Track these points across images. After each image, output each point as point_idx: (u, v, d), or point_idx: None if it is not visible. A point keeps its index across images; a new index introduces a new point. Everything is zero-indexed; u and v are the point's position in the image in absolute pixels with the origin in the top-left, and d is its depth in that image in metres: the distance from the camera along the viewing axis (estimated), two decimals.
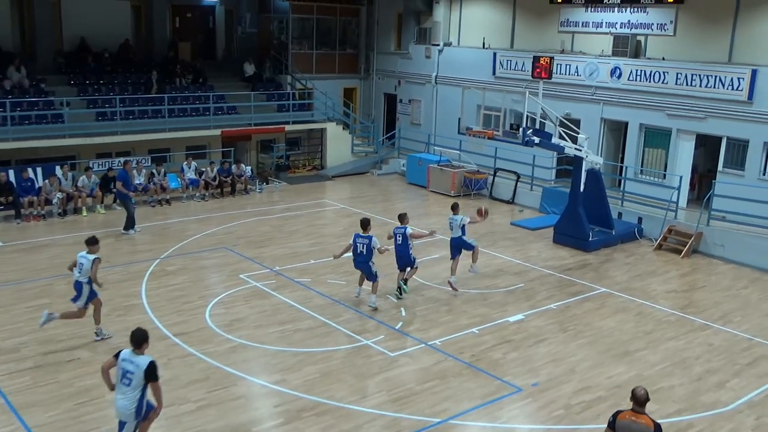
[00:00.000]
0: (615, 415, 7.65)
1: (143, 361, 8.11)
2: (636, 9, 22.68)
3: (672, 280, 17.02)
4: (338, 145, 28.30)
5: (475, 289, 15.61)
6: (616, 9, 23.17)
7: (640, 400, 7.56)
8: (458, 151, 25.41)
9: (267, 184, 25.77)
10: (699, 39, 21.44)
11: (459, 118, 18.97)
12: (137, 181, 21.80)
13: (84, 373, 11.27)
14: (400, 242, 14.38)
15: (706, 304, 15.43)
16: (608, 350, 12.85)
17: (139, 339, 8.24)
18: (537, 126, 17.72)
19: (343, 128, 28.72)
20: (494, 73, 25.90)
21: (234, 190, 23.85)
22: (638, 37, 22.73)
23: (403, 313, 14.04)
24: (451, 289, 15.15)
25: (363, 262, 14.00)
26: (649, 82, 21.48)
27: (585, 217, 18.83)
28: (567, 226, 19.11)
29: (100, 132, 22.84)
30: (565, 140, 18.28)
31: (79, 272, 12.16)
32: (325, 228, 20.49)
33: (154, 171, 22.49)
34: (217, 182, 23.40)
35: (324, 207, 23.03)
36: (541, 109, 17.82)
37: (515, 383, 11.45)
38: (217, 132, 24.97)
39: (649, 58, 22.23)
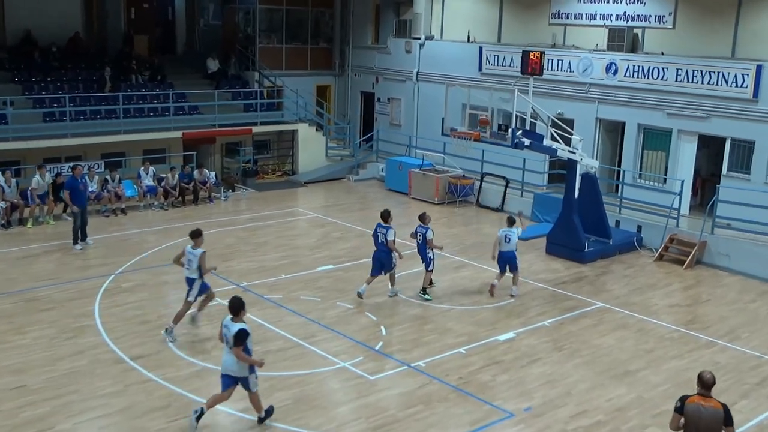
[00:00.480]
0: (682, 400, 8.21)
1: (234, 327, 10.12)
2: (632, 0, 22.96)
3: (674, 293, 17.17)
4: (311, 148, 28.29)
5: (461, 306, 15.64)
6: (611, 0, 23.43)
7: (707, 384, 8.18)
8: (442, 155, 25.49)
9: (233, 191, 25.68)
10: (700, 32, 21.73)
11: (443, 119, 19.02)
12: (90, 189, 21.56)
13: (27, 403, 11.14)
14: (420, 242, 15.78)
15: (712, 319, 15.58)
16: (607, 370, 12.91)
17: (236, 307, 10.24)
18: (527, 127, 17.80)
19: (316, 130, 28.72)
20: (480, 69, 26.04)
21: (196, 198, 23.74)
22: (635, 30, 22.99)
23: (384, 332, 14.03)
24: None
25: (383, 251, 15.25)
26: (648, 78, 21.71)
27: (580, 225, 18.95)
28: (561, 236, 19.21)
29: (48, 134, 22.63)
30: (558, 142, 18.40)
31: (188, 268, 13.36)
32: (297, 239, 20.42)
33: (108, 177, 22.33)
34: (177, 190, 23.28)
35: (296, 216, 22.97)
36: (532, 108, 17.91)
37: (506, 408, 11.46)
38: (178, 134, 24.86)
39: (646, 53, 22.49)
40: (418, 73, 28.75)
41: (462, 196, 24.49)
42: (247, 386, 10.37)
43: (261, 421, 10.69)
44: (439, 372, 12.53)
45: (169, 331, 13.43)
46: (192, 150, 25.36)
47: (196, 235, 13.36)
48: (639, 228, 20.57)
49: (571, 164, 18.77)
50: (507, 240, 16.01)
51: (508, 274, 16.26)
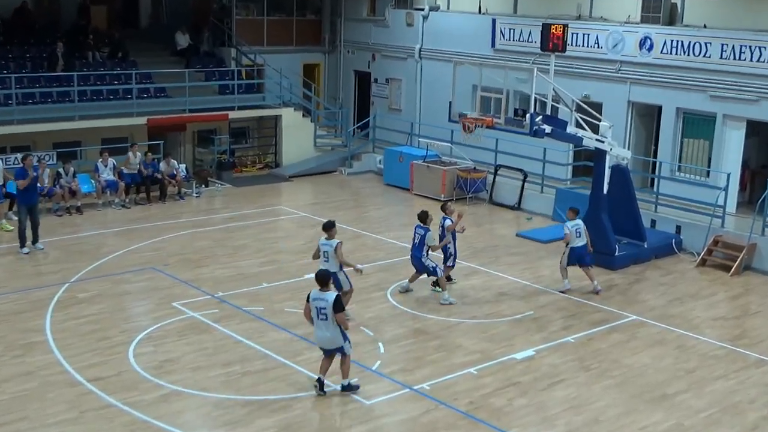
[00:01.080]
0: None
1: (330, 296, 11.99)
2: None
3: (719, 304, 17.19)
4: (297, 136, 28.28)
5: (473, 319, 15.64)
6: None
7: None
8: (449, 144, 25.51)
9: (206, 186, 25.66)
10: (749, 0, 21.71)
11: (450, 102, 19.02)
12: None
13: None
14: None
15: (763, 333, 15.59)
16: (641, 393, 12.92)
17: (324, 278, 12.14)
18: (548, 112, 17.79)
19: (303, 115, 28.72)
20: (494, 45, 26.04)
21: (164, 195, 23.74)
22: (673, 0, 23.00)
23: (382, 350, 14.04)
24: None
25: (416, 256, 16.15)
26: (688, 55, 21.73)
27: (610, 226, 18.96)
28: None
29: None
30: (584, 129, 18.42)
31: (326, 260, 14.41)
32: (280, 242, 20.42)
33: (61, 170, 22.26)
34: (139, 172, 23.11)
35: (279, 215, 22.95)
36: (553, 90, 17.92)
37: None
38: (142, 120, 24.83)
39: (686, 26, 22.50)
40: (421, 49, 28.75)
41: (473, 192, 24.51)
42: (343, 352, 12.27)
43: (344, 388, 12.40)
44: (446, 396, 12.52)
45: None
46: (158, 139, 25.32)
47: (329, 227, 14.63)
48: (678, 229, 20.59)
49: (599, 155, 18.79)
50: (578, 234, 16.83)
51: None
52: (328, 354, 12.41)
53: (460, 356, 13.94)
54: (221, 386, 12.62)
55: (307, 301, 12.16)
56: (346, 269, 14.89)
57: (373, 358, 13.71)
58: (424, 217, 16.21)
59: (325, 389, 12.38)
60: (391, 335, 14.72)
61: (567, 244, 17.05)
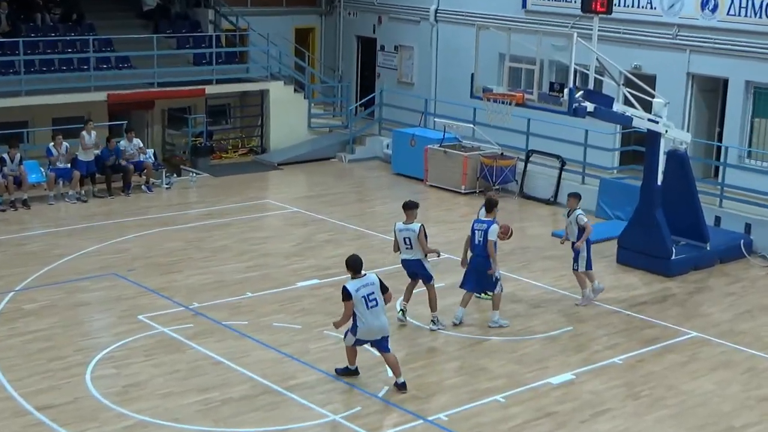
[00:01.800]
0: None
1: (371, 278, 13.15)
2: None
3: None
4: (288, 115, 28.30)
5: (499, 336, 15.61)
6: None
7: None
8: (471, 125, 25.47)
9: (178, 175, 25.71)
10: None
11: (472, 75, 18.99)
12: None
13: None
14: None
15: None
16: (703, 426, 12.87)
17: (358, 264, 13.08)
18: (590, 86, 17.75)
19: (295, 90, 28.75)
20: (525, 5, 25.98)
21: (127, 185, 23.75)
22: None
23: (390, 373, 14.00)
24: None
25: (479, 255, 15.57)
26: (759, 17, 21.66)
27: (665, 223, 18.92)
28: (638, 238, 19.18)
29: None
30: (634, 107, 18.36)
31: (409, 247, 15.19)
32: (267, 243, 20.41)
33: (5, 156, 22.29)
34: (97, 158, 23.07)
35: (266, 211, 22.96)
36: (597, 60, 17.86)
37: None
38: (102, 96, 24.89)
39: None
40: (437, 10, 28.71)
41: (500, 183, 24.47)
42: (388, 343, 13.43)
43: (400, 386, 13.41)
44: (467, 429, 12.50)
45: (436, 321, 15.63)
46: (121, 119, 25.41)
47: (410, 207, 15.27)
48: (748, 227, 20.52)
49: (651, 138, 18.74)
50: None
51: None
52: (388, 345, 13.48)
53: (485, 381, 13.90)
54: (196, 416, 12.58)
55: (348, 298, 12.93)
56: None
57: (379, 383, 13.68)
58: (491, 205, 15.83)
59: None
60: (402, 355, 14.58)
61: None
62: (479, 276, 15.70)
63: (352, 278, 13.06)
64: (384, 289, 13.15)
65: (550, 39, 18.57)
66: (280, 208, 23.17)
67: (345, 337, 13.47)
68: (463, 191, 24.55)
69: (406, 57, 29.92)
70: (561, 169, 23.98)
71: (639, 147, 21.45)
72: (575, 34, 17.56)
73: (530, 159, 24.62)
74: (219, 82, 26.99)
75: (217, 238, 20.41)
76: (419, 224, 15.14)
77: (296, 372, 13.93)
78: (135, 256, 19.01)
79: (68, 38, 25.93)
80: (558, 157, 24.07)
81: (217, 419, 12.52)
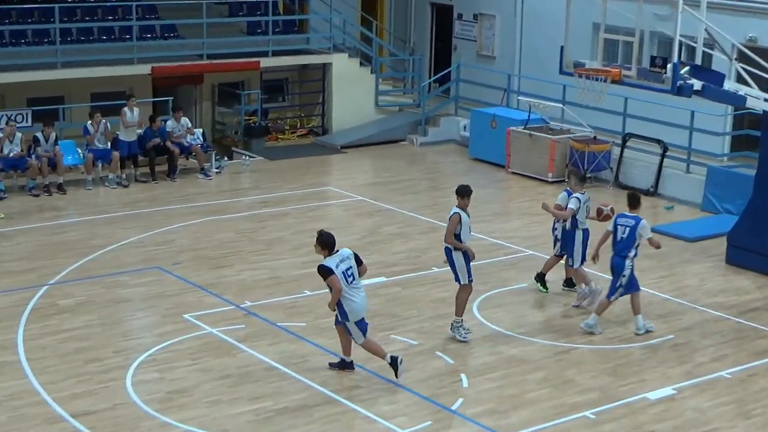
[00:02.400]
0: None
1: (346, 252, 13.81)
2: None
3: None
4: (352, 92, 28.46)
5: (590, 344, 15.64)
6: None
7: None
8: (560, 105, 25.48)
9: (229, 159, 25.98)
10: None
11: (561, 48, 19.02)
12: (9, 149, 21.97)
13: None
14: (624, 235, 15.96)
15: None
16: None
17: (333, 242, 13.63)
18: (698, 61, 17.67)
19: (361, 64, 28.93)
20: None
21: (173, 169, 24.09)
22: None
23: (465, 383, 14.17)
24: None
25: (619, 254, 15.73)
26: None
27: None
28: (750, 236, 19.03)
29: None
30: (749, 85, 18.27)
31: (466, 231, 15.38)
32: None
33: (39, 135, 22.52)
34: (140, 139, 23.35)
35: (327, 200, 23.19)
36: (706, 31, 17.80)
37: None
38: (145, 69, 25.25)
39: None
40: None
41: (592, 171, 24.43)
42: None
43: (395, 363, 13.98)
44: None
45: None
46: (166, 95, 25.69)
47: (462, 193, 15.49)
48: None
49: None
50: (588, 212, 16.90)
51: None
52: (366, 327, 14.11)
53: (572, 394, 13.93)
54: (247, 427, 12.74)
55: (331, 273, 13.59)
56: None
57: (452, 395, 13.77)
58: (636, 201, 16.06)
59: None
60: (478, 364, 14.79)
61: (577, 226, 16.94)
62: (615, 277, 15.94)
63: (327, 257, 13.64)
64: (359, 261, 13.91)
65: (651, 7, 18.51)
66: (342, 196, 23.36)
67: (353, 336, 13.99)
68: (549, 179, 24.54)
69: (486, 27, 29.87)
70: (662, 156, 23.86)
71: (754, 131, 21.31)
72: (681, 2, 17.50)
73: (627, 144, 24.54)
74: (276, 54, 27.21)
75: (272, 230, 20.59)
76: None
77: (359, 381, 14.05)
78: (181, 249, 19.31)
79: (109, 4, 26.29)
80: (659, 141, 23.96)
81: (269, 431, 12.68)
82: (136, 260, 18.64)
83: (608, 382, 14.41)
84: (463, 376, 14.40)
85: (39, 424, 12.67)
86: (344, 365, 14.26)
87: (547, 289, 17.33)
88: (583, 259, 16.77)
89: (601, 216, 16.48)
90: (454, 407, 13.47)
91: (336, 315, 13.89)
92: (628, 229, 15.65)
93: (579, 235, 16.73)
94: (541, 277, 17.39)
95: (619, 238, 15.71)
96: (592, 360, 15.14)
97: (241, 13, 28.12)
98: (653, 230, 20.90)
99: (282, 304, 16.74)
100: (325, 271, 13.53)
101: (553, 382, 14.34)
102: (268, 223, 21.05)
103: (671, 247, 20.28)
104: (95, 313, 16.15)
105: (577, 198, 16.64)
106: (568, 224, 16.77)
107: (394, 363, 13.85)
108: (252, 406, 13.29)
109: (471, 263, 15.38)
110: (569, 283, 17.44)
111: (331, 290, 13.58)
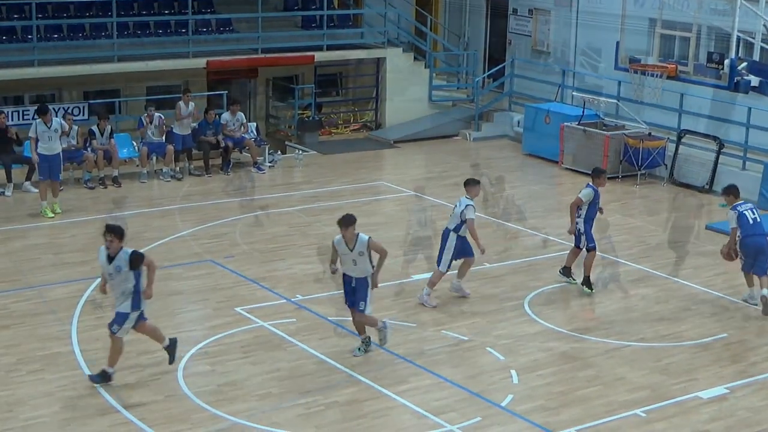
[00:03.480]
0: None
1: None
2: None
3: None
4: (406, 87, 28.48)
5: (641, 342, 15.54)
6: None
7: None
8: (615, 101, 25.28)
9: (283, 153, 26.07)
10: None
11: (617, 43, 18.91)
12: (65, 143, 22.08)
13: None
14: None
15: None
16: None
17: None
18: (756, 57, 17.52)
19: (415, 58, 28.88)
20: None
21: (227, 163, 24.22)
22: None
23: (515, 380, 14.12)
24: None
25: (759, 234, 16.60)
26: None
27: None
28: None
29: (5, 61, 23.30)
30: None
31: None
32: (380, 230, 20.40)
33: (95, 129, 22.67)
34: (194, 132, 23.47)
35: (379, 194, 23.21)
36: (764, 26, 17.61)
37: None
38: (201, 63, 25.37)
39: None
40: None
41: (647, 167, 24.29)
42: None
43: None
44: None
45: None
46: (221, 89, 25.81)
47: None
48: None
49: None
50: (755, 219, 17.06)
51: None
52: None
53: (623, 392, 13.86)
54: (297, 421, 12.77)
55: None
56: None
57: (502, 391, 13.74)
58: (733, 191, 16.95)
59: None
60: (529, 361, 14.73)
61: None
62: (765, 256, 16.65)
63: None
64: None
65: (709, 1, 18.34)
66: (395, 191, 23.36)
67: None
68: None
69: (541, 22, 29.75)
70: (718, 153, 23.64)
71: None
72: None
73: (682, 140, 24.32)
74: (330, 48, 27.28)
75: (325, 224, 20.49)
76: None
77: (409, 376, 14.05)
78: (233, 242, 19.40)
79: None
80: (715, 138, 23.71)
81: (319, 425, 12.69)
82: (189, 253, 18.76)
83: (660, 380, 14.30)
84: (513, 372, 14.34)
85: (91, 415, 12.77)
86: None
87: (592, 288, 17.15)
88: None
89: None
90: (503, 403, 13.43)
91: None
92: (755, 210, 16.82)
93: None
94: (584, 279, 17.22)
95: (750, 221, 16.63)
96: (644, 358, 15.02)
97: (296, 8, 28.20)
98: (711, 228, 20.85)
99: (333, 298, 16.65)
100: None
101: (604, 380, 14.27)
102: (320, 218, 21.07)
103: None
104: (147, 306, 16.09)
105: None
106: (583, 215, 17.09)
107: (171, 346, 13.79)
108: (302, 400, 13.31)
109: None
110: (566, 272, 17.38)
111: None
